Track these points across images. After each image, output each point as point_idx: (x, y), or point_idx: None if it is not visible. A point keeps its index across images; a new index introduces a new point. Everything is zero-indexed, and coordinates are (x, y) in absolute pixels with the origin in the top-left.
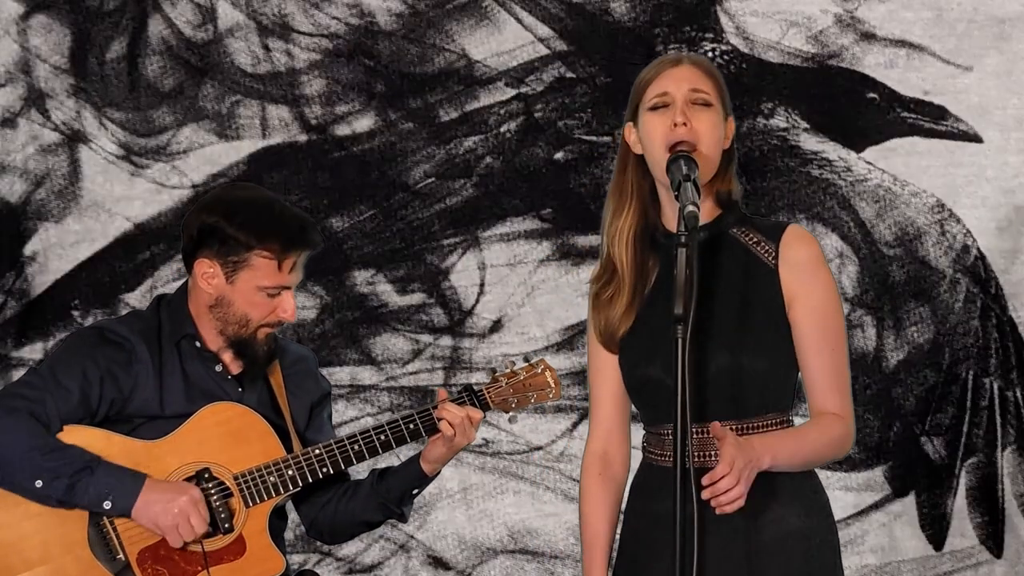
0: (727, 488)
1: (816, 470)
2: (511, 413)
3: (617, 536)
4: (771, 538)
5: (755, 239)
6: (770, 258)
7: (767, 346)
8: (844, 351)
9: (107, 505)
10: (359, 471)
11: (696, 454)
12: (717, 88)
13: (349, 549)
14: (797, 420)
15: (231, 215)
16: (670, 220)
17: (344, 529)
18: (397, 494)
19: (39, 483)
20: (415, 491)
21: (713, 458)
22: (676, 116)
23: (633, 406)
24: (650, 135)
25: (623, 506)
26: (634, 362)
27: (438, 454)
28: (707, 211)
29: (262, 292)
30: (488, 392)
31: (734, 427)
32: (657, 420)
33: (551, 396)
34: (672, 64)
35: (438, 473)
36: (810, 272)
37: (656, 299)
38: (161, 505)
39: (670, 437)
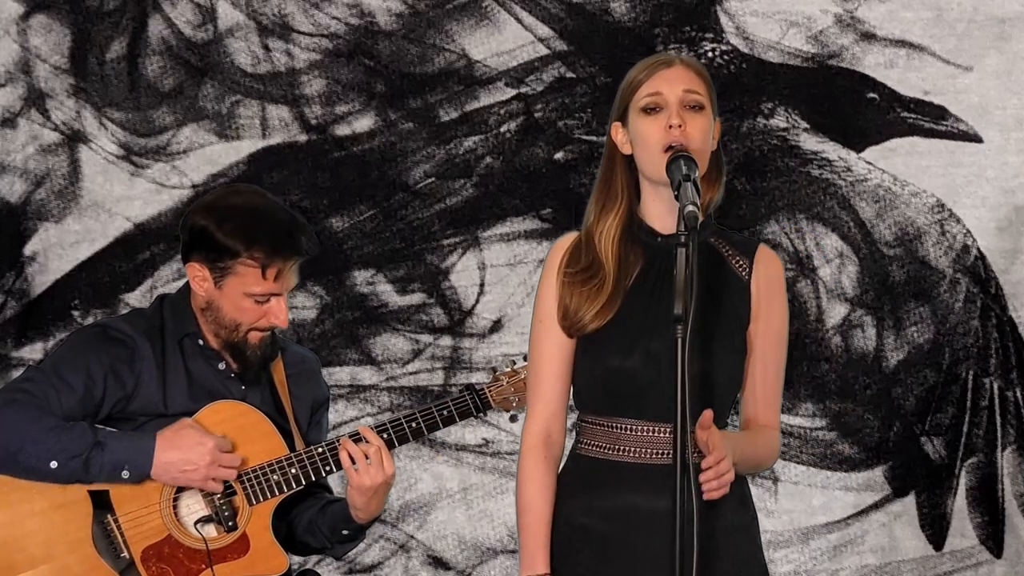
0: (726, 471)
1: (816, 469)
2: (512, 412)
3: None
4: (719, 533)
5: (729, 251)
6: (743, 272)
7: (729, 357)
8: (783, 373)
9: (125, 475)
10: None
11: (667, 452)
12: (708, 90)
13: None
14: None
15: (221, 221)
16: (652, 217)
17: (289, 543)
18: (329, 529)
19: (54, 464)
20: (345, 531)
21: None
22: (672, 118)
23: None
24: (644, 137)
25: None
26: (606, 352)
27: (352, 497)
28: None
29: (250, 299)
30: (489, 391)
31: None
32: (616, 412)
33: None
34: (665, 65)
35: (369, 523)
36: (777, 293)
37: (637, 293)
38: (179, 468)
39: (630, 432)
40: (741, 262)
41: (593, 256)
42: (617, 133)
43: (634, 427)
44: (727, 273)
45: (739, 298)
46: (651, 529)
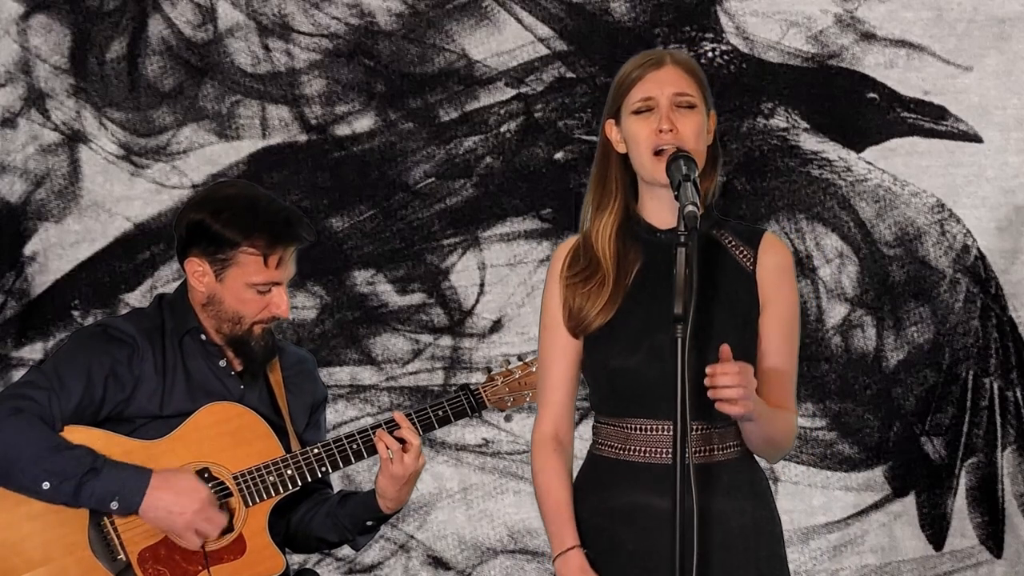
0: (728, 384)
1: (816, 469)
2: (507, 412)
3: None
4: (737, 528)
5: (732, 242)
6: (748, 262)
7: (737, 350)
8: (796, 359)
9: (114, 505)
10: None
11: (667, 450)
12: (700, 86)
13: (349, 549)
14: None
15: (217, 213)
16: (650, 214)
17: (301, 542)
18: (353, 521)
19: (46, 484)
20: (369, 522)
21: (694, 454)
22: (662, 122)
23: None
24: (635, 139)
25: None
26: (610, 352)
27: (383, 487)
28: None
29: (252, 289)
30: (484, 391)
31: (702, 428)
32: (626, 412)
33: None
34: (655, 66)
35: (394, 513)
36: (784, 280)
37: (638, 292)
38: (167, 508)
39: (640, 432)
40: (745, 252)
41: (592, 255)
42: (612, 131)
43: (642, 426)
44: (729, 264)
45: (744, 289)
46: (656, 529)
